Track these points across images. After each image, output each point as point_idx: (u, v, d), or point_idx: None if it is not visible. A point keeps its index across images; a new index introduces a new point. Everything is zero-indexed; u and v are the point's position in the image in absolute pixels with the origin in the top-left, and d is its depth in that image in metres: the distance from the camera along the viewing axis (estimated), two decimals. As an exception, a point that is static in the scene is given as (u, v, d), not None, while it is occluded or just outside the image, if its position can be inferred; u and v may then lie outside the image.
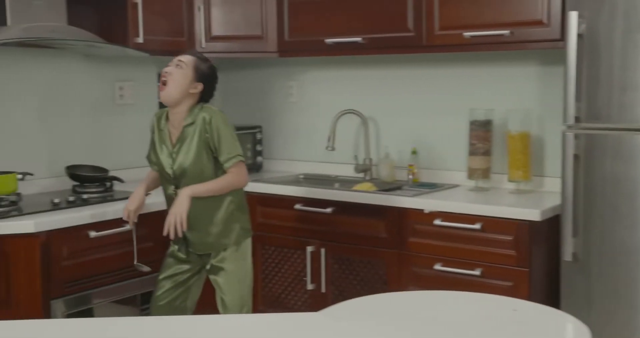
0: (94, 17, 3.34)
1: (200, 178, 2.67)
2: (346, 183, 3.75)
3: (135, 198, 2.78)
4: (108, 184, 3.30)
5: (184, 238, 2.73)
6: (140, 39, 3.31)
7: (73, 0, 3.19)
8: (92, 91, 3.58)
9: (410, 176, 3.65)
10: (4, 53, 3.15)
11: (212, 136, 2.63)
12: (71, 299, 2.83)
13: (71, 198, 3.04)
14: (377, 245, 3.27)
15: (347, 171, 3.90)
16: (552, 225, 2.94)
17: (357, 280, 3.36)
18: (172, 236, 2.61)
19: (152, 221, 3.10)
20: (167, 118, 2.73)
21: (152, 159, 2.79)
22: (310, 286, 3.45)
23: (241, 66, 4.27)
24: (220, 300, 2.78)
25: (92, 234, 2.86)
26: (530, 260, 2.89)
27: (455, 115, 3.56)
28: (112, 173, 3.42)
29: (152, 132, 2.79)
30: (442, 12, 3.19)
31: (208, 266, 2.77)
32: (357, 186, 3.59)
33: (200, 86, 2.67)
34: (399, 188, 3.58)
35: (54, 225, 2.74)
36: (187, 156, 2.66)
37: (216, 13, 3.68)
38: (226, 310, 2.78)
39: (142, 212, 2.81)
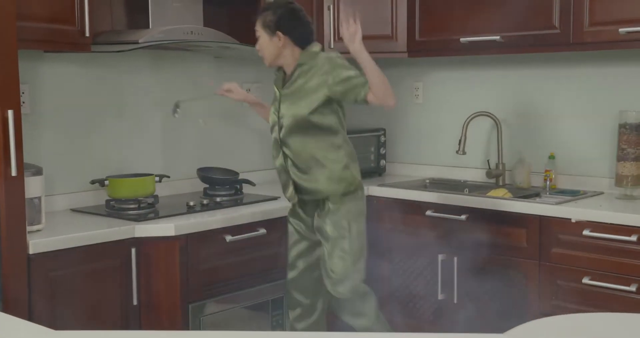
0: (226, 18, 3.32)
1: (308, 122, 2.64)
2: (476, 189, 3.58)
3: (243, 93, 3.00)
4: (238, 186, 3.26)
5: (293, 181, 2.70)
6: (271, 40, 3.25)
7: (207, 2, 3.18)
8: (222, 93, 3.57)
9: (548, 182, 3.44)
10: (143, 55, 3.17)
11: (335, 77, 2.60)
12: (207, 303, 2.80)
13: (205, 201, 3.02)
14: (516, 255, 3.09)
15: (476, 176, 3.74)
16: None
17: (493, 291, 3.19)
18: (348, 27, 2.57)
19: (284, 226, 3.05)
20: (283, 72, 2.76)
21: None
22: (440, 296, 3.31)
23: (365, 67, 4.16)
24: (324, 269, 2.73)
25: (229, 238, 2.82)
26: (695, 277, 2.65)
27: (600, 117, 3.33)
28: (241, 176, 3.38)
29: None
30: (592, 6, 2.98)
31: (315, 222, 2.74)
32: (492, 192, 3.41)
33: (280, 35, 2.63)
34: (536, 194, 3.39)
35: (192, 229, 2.72)
36: (297, 97, 2.66)
37: (345, 12, 3.58)
38: (329, 280, 2.72)
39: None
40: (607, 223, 2.83)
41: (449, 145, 3.74)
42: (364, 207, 2.82)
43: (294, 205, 2.81)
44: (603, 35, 2.97)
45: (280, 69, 2.77)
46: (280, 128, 2.70)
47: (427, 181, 3.82)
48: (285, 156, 2.72)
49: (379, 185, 3.59)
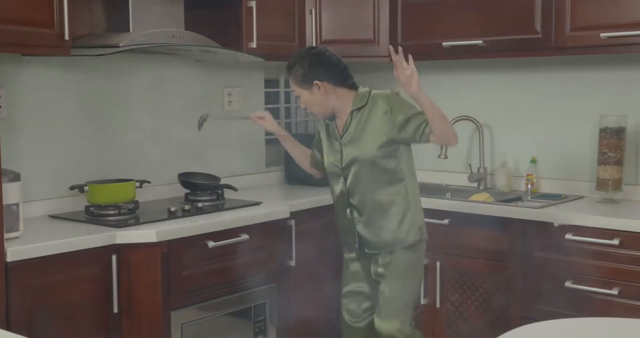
0: (208, 21, 3.28)
1: (375, 166, 2.55)
2: (458, 193, 3.58)
3: (275, 125, 2.85)
4: (220, 192, 3.23)
5: (358, 235, 2.63)
6: (254, 44, 3.23)
7: (188, 5, 3.14)
8: (202, 97, 3.54)
9: (529, 186, 3.45)
10: (124, 59, 3.12)
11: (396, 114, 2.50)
12: (189, 310, 2.76)
13: (186, 207, 2.98)
14: (499, 259, 3.10)
15: (458, 180, 3.73)
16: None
17: (476, 296, 3.19)
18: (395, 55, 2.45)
19: (267, 231, 3.03)
20: (332, 116, 2.67)
21: (317, 160, 2.75)
22: (423, 301, 3.30)
23: (346, 71, 4.15)
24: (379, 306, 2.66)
25: (211, 244, 2.79)
26: (677, 280, 2.67)
27: (581, 122, 3.35)
28: (222, 181, 3.35)
29: (318, 134, 2.74)
30: (574, 11, 3.00)
31: (378, 269, 2.64)
32: (474, 197, 3.41)
33: (318, 83, 2.55)
34: (518, 198, 3.40)
35: (174, 235, 2.68)
36: (361, 141, 2.55)
37: (327, 16, 3.57)
38: (379, 321, 2.65)
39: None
40: (589, 227, 2.84)
41: (431, 149, 3.72)
42: (422, 261, 2.72)
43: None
44: (584, 40, 2.98)
45: (331, 117, 2.65)
46: (346, 179, 2.60)
47: (409, 185, 3.80)
48: (352, 207, 2.61)
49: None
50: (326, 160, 2.67)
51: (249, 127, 3.73)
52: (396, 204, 2.58)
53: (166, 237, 2.65)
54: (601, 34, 2.91)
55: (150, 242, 2.62)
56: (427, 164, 3.82)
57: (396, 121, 2.50)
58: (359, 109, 2.57)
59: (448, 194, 3.60)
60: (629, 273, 2.75)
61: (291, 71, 2.59)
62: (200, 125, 2.96)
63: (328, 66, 2.57)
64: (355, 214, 2.62)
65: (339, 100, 2.58)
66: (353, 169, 2.57)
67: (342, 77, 2.59)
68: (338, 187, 2.64)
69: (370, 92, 2.59)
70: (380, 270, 2.64)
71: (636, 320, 1.59)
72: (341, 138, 2.60)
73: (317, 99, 2.57)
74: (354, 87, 2.62)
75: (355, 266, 2.74)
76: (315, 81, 2.55)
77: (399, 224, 2.58)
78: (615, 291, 2.77)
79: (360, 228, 2.62)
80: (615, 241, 2.77)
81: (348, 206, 2.63)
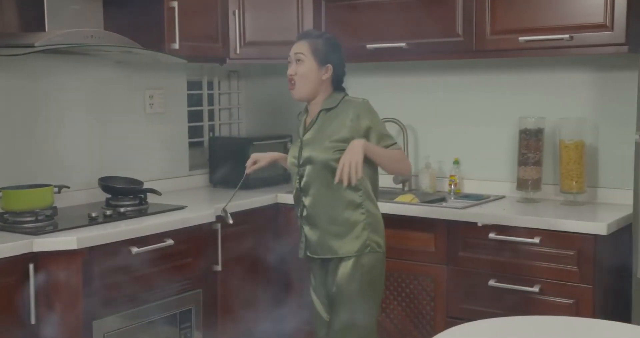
0: (128, 22, 3.18)
1: (329, 168, 2.47)
2: (384, 194, 3.56)
3: (267, 155, 2.73)
4: (143, 196, 3.14)
5: (305, 236, 2.57)
6: (176, 45, 3.16)
7: (108, 4, 3.05)
8: (123, 98, 3.44)
9: (453, 187, 3.51)
10: (39, 60, 2.99)
11: (359, 125, 2.45)
12: (112, 319, 2.67)
13: (108, 212, 2.89)
14: (424, 259, 3.13)
15: (383, 181, 3.70)
16: (616, 239, 2.81)
17: (402, 296, 3.21)
18: (345, 182, 2.36)
19: (192, 236, 2.97)
20: (306, 110, 2.62)
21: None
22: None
23: (272, 73, 4.13)
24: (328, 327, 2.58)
25: (134, 250, 2.71)
26: (594, 277, 2.76)
27: (502, 123, 3.44)
28: (145, 185, 3.26)
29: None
30: (494, 15, 3.07)
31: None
32: (399, 198, 3.45)
33: (330, 68, 2.51)
34: (442, 199, 3.45)
35: (96, 241, 2.59)
36: (319, 142, 2.49)
37: (251, 18, 3.54)
38: None
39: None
40: (511, 227, 2.91)
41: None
42: (382, 277, 2.60)
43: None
44: (504, 43, 3.06)
45: (304, 112, 2.61)
46: (301, 177, 2.53)
47: (335, 187, 3.81)
48: (304, 207, 2.55)
49: (287, 192, 3.55)
50: (289, 155, 2.63)
51: (172, 129, 3.67)
52: (346, 212, 2.49)
53: (87, 244, 2.56)
54: (520, 38, 2.99)
55: (71, 250, 2.52)
56: (353, 166, 3.84)
57: (360, 128, 2.45)
58: (328, 110, 2.53)
59: (373, 196, 3.61)
60: (549, 270, 2.83)
61: (313, 38, 2.53)
62: (227, 218, 2.78)
63: (341, 62, 2.56)
64: (305, 214, 2.57)
65: (322, 94, 2.55)
66: (308, 169, 2.52)
67: (341, 78, 2.58)
68: (295, 184, 2.60)
69: (344, 96, 2.56)
70: (331, 278, 2.55)
71: (559, 317, 1.63)
72: (304, 135, 2.56)
73: (314, 77, 2.50)
74: (341, 91, 2.59)
75: (312, 266, 2.68)
76: (329, 65, 2.51)
77: (345, 232, 2.50)
78: (536, 289, 2.85)
79: (307, 229, 2.57)
80: (536, 240, 2.84)
81: (301, 205, 2.58)
